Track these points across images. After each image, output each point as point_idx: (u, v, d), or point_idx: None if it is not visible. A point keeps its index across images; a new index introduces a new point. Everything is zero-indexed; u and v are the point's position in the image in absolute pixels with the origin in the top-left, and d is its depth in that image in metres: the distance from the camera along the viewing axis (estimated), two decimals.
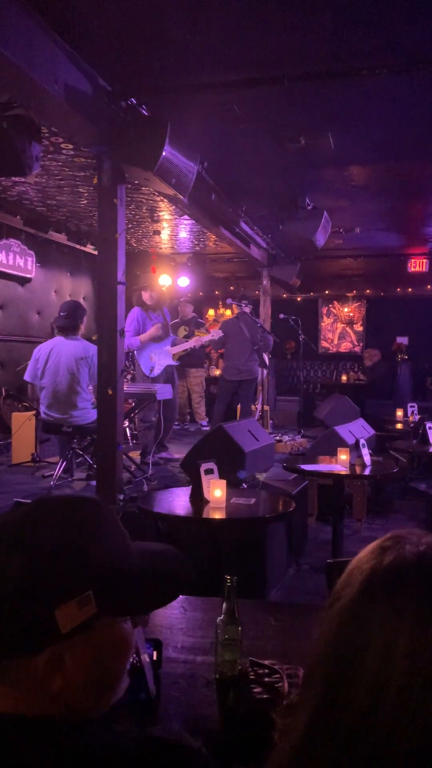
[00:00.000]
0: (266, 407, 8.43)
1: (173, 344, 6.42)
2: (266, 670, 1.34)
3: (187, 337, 7.73)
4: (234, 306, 8.12)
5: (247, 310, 7.58)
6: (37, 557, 0.77)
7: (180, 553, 0.94)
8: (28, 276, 7.93)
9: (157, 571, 0.88)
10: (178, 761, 0.74)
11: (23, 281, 7.90)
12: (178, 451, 6.56)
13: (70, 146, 5.18)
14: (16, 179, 6.07)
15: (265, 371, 7.70)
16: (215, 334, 7.34)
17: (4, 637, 0.75)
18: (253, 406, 8.03)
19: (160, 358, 6.21)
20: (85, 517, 0.84)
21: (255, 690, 1.29)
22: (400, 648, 0.62)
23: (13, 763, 0.70)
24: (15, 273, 7.67)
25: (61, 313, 5.30)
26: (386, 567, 0.68)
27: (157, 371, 6.18)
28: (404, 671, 0.61)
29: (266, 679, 1.31)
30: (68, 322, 5.19)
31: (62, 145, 5.18)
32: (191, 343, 6.80)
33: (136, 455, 5.83)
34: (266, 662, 1.37)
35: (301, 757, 0.65)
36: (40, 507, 0.83)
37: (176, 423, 9.58)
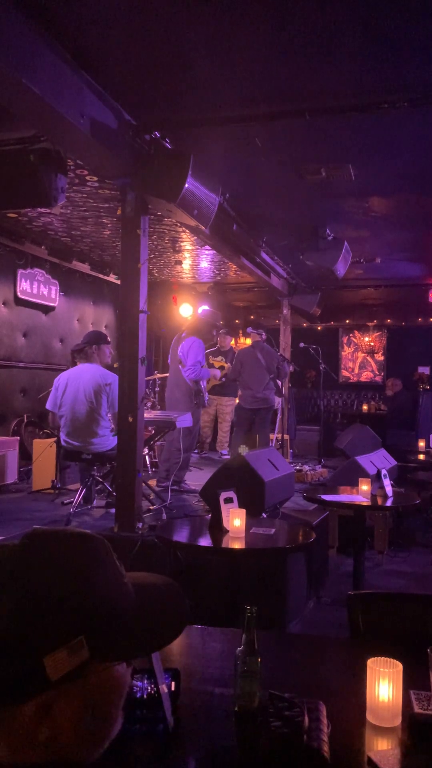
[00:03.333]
0: (286, 436, 8.39)
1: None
2: (286, 704, 1.31)
3: (222, 368, 7.88)
4: (254, 334, 8.17)
5: (263, 337, 7.66)
6: (27, 601, 0.72)
7: (177, 587, 0.89)
8: (52, 305, 8.06)
9: (154, 610, 0.83)
10: None
11: (47, 310, 8.03)
12: (198, 479, 6.54)
13: (95, 178, 5.29)
14: (42, 210, 6.21)
15: (281, 399, 7.72)
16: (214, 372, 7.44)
17: None
18: (271, 435, 8.02)
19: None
20: (78, 556, 0.79)
21: (275, 723, 1.26)
22: None
23: None
24: (39, 302, 7.80)
25: (82, 340, 5.46)
26: None
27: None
28: None
29: (286, 713, 1.28)
30: (80, 346, 5.34)
31: (87, 178, 5.29)
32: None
33: (155, 483, 5.82)
34: (286, 695, 1.34)
35: None
36: (32, 545, 0.77)
37: (194, 451, 9.58)
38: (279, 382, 7.54)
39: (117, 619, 0.77)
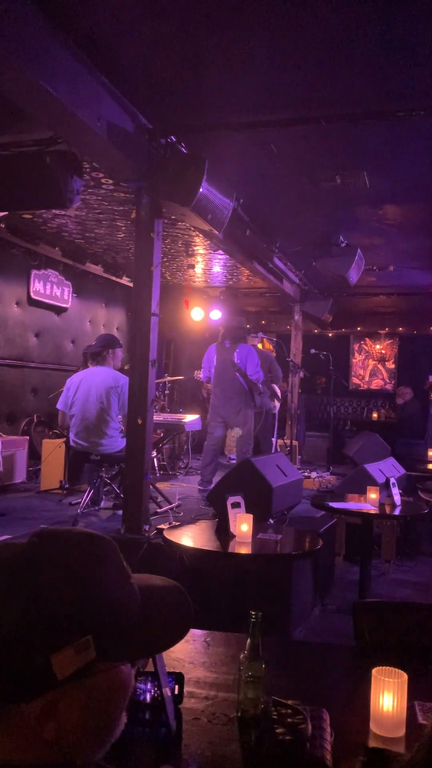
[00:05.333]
0: (295, 442, 8.38)
1: None
2: (289, 710, 1.31)
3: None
4: (265, 340, 8.19)
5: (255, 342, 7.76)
6: (35, 600, 0.73)
7: (183, 591, 0.89)
8: (65, 306, 8.10)
9: (159, 612, 0.83)
10: None
11: (59, 311, 8.06)
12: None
13: (110, 181, 5.32)
14: (57, 212, 6.25)
15: (277, 403, 7.76)
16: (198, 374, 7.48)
17: None
18: (277, 440, 8.03)
19: None
20: (86, 556, 0.79)
21: (278, 730, 1.26)
22: None
23: None
24: (52, 302, 7.84)
25: (94, 343, 5.47)
26: None
27: None
28: None
29: (289, 720, 1.27)
30: (98, 350, 5.33)
31: (102, 180, 5.32)
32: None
33: (163, 486, 5.82)
34: (290, 702, 1.34)
35: None
36: (40, 545, 0.78)
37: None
38: (275, 386, 7.59)
39: (123, 620, 0.78)
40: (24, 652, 0.71)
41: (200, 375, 7.29)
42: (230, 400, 6.19)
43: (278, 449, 7.72)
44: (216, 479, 5.47)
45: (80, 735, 0.75)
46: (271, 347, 8.92)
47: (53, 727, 0.73)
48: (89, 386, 5.12)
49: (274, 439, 7.89)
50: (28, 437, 6.79)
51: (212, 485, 5.52)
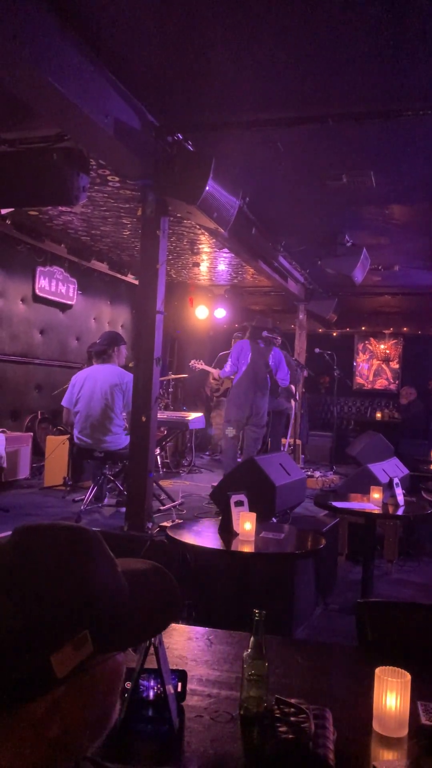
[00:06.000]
0: (298, 441, 8.37)
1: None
2: (292, 709, 1.31)
3: None
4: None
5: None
6: (29, 602, 0.71)
7: (165, 571, 0.88)
8: (70, 303, 8.10)
9: (148, 596, 0.82)
10: None
11: (64, 308, 8.07)
12: (209, 482, 6.55)
13: (117, 178, 5.32)
14: (63, 209, 6.25)
15: (294, 403, 7.81)
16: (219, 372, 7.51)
17: None
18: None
19: None
20: (73, 551, 0.77)
21: (281, 729, 1.26)
22: None
23: None
24: (57, 299, 7.84)
25: (99, 340, 5.45)
26: None
27: None
28: None
29: (292, 719, 1.28)
30: (104, 348, 5.31)
31: (109, 178, 5.32)
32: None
33: (167, 483, 5.83)
34: (293, 701, 1.34)
35: None
36: (25, 542, 0.76)
37: (207, 453, 9.59)
38: (291, 386, 7.64)
39: (116, 609, 0.77)
40: (22, 656, 0.69)
41: (216, 371, 7.31)
42: (254, 397, 6.25)
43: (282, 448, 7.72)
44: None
45: (83, 729, 0.75)
46: None
47: (58, 725, 0.72)
48: (94, 383, 5.13)
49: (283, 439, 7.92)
50: (32, 433, 6.80)
51: None
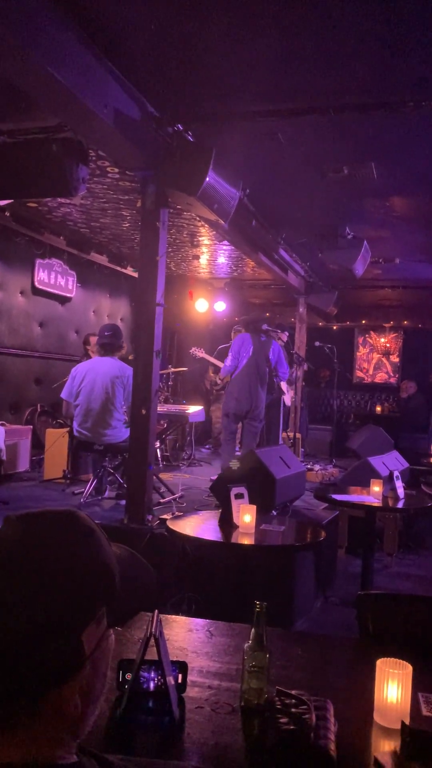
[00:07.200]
0: (298, 435, 8.37)
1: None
2: (293, 701, 1.30)
3: None
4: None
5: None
6: (52, 588, 0.73)
7: (140, 557, 0.93)
8: (69, 295, 8.08)
9: (129, 576, 0.85)
10: None
11: (64, 300, 8.05)
12: (209, 474, 6.55)
13: (116, 170, 5.29)
14: (62, 200, 6.22)
15: (291, 392, 7.85)
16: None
17: (34, 676, 0.71)
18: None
19: None
20: (78, 530, 0.80)
21: (281, 720, 1.25)
22: None
23: None
24: (56, 292, 7.82)
25: (106, 333, 5.36)
26: None
27: None
28: None
29: (293, 710, 1.27)
30: (112, 340, 5.26)
31: (108, 169, 5.29)
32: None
33: (166, 476, 5.83)
34: (294, 692, 1.33)
35: None
36: (30, 530, 0.77)
37: (207, 446, 9.59)
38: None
39: (118, 585, 0.81)
40: (58, 639, 0.72)
41: (218, 363, 7.31)
42: (255, 391, 6.24)
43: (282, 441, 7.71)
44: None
45: (94, 705, 0.78)
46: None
47: (80, 702, 0.75)
48: (95, 376, 5.11)
49: (280, 431, 7.91)
50: (31, 426, 6.79)
51: None
